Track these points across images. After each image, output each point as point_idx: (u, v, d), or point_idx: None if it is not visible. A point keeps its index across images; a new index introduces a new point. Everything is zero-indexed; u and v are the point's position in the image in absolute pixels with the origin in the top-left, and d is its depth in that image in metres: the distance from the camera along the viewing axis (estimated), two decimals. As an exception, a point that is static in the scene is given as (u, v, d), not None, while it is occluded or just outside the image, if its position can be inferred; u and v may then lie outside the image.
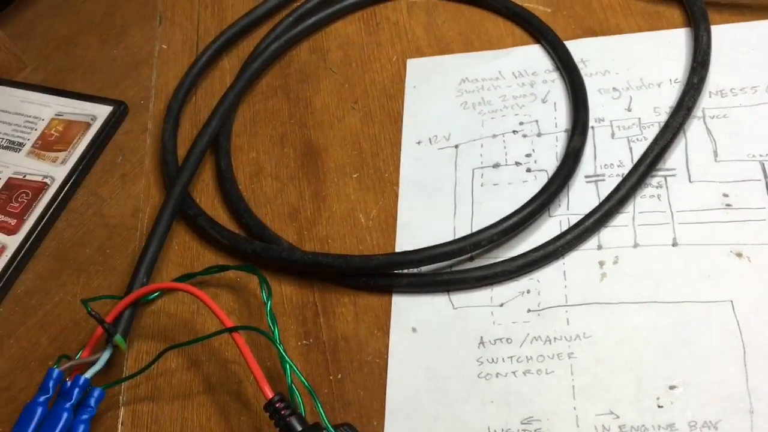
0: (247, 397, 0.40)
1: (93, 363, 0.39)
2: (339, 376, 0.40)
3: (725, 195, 0.41)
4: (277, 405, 0.35)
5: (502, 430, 0.36)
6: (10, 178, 0.51)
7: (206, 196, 0.49)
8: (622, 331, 0.38)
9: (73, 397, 0.37)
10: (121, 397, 0.41)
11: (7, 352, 0.44)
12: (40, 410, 0.37)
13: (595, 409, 0.36)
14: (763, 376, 0.35)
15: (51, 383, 0.38)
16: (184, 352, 0.42)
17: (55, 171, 0.51)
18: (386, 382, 0.39)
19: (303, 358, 0.41)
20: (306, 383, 0.37)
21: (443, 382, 0.38)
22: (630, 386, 0.36)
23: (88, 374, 0.38)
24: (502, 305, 0.40)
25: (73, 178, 0.51)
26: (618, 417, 0.35)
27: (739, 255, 0.39)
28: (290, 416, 0.35)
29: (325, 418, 0.35)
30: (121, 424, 0.40)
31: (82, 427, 0.37)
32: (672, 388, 0.36)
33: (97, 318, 0.39)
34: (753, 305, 0.37)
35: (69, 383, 0.38)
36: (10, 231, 0.48)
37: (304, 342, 0.41)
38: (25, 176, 0.51)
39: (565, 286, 0.40)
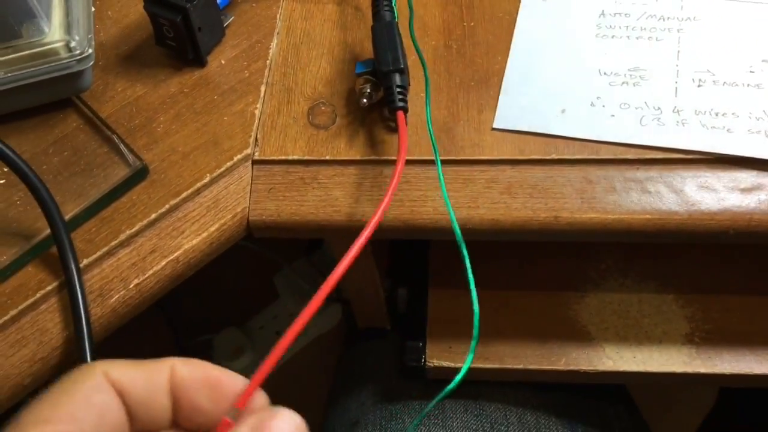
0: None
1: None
2: (471, 24, 0.46)
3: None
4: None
5: (611, 72, 0.42)
6: None
7: None
8: (729, 18, 0.43)
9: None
10: (279, 13, 0.48)
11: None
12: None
13: (695, 67, 0.42)
14: None
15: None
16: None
17: None
18: (513, 30, 0.45)
19: (441, 9, 0.47)
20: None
21: (563, 35, 0.44)
22: (729, 55, 0.42)
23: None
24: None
25: None
26: (714, 74, 0.41)
27: None
28: (387, 10, 0.42)
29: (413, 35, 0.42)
30: (277, 34, 0.47)
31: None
32: (764, 61, 0.41)
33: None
34: None
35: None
36: None
37: (443, -4, 0.47)
38: None
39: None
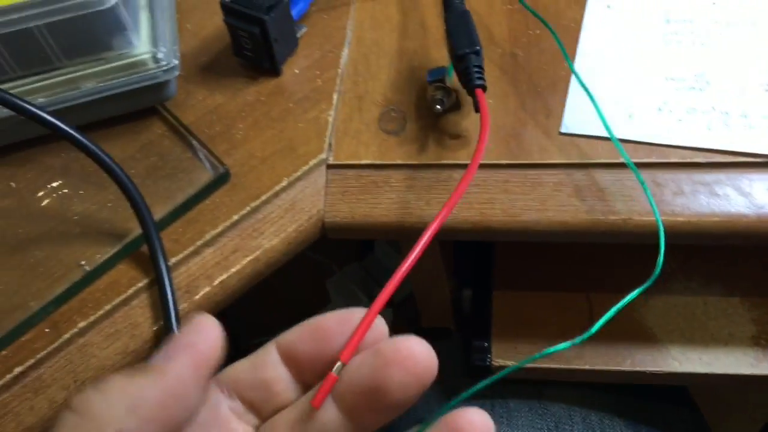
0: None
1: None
2: (537, 32, 0.47)
3: None
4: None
5: (677, 77, 0.43)
6: None
7: None
8: (797, 23, 0.44)
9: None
10: (349, 24, 0.50)
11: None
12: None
13: (762, 71, 0.42)
14: None
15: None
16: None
17: None
18: (579, 37, 0.46)
19: (507, 17, 0.48)
20: None
21: (629, 41, 0.45)
22: (796, 59, 0.42)
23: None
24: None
25: None
26: (782, 78, 0.42)
27: None
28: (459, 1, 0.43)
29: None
30: (347, 44, 0.49)
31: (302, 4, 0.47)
32: (834, 65, 0.42)
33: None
34: None
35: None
36: None
37: (508, 6, 0.49)
38: None
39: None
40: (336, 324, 0.26)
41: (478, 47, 0.41)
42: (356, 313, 0.26)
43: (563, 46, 0.43)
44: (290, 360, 0.27)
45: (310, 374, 0.27)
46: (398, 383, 0.24)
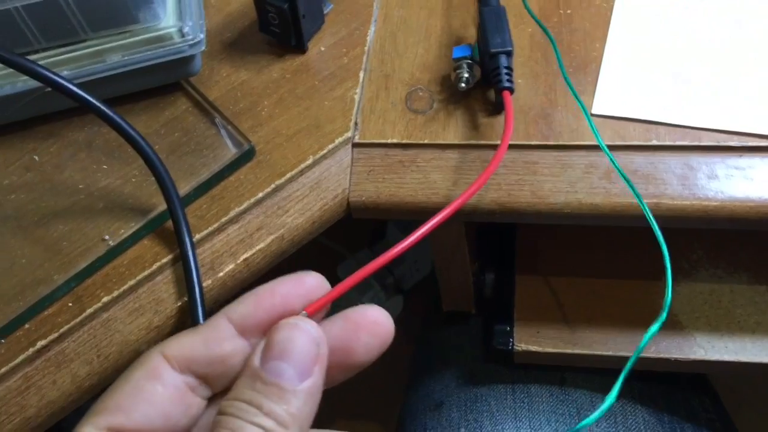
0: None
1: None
2: (568, 11, 0.46)
3: None
4: None
5: (714, 59, 0.42)
6: None
7: None
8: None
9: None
10: (376, 1, 0.49)
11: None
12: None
13: (800, 55, 0.41)
14: None
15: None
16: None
17: None
18: (611, 17, 0.45)
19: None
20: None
21: (663, 21, 0.44)
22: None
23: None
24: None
25: None
26: (820, 62, 0.41)
27: None
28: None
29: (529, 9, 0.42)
30: (374, 22, 0.48)
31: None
32: None
33: None
34: None
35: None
36: None
37: (539, -14, 0.48)
38: None
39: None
40: (291, 287, 0.28)
41: (510, 48, 0.41)
42: (308, 277, 0.28)
43: (558, 53, 0.43)
44: (247, 331, 0.27)
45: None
46: (365, 345, 0.27)
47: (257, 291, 0.28)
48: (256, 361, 0.25)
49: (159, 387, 0.26)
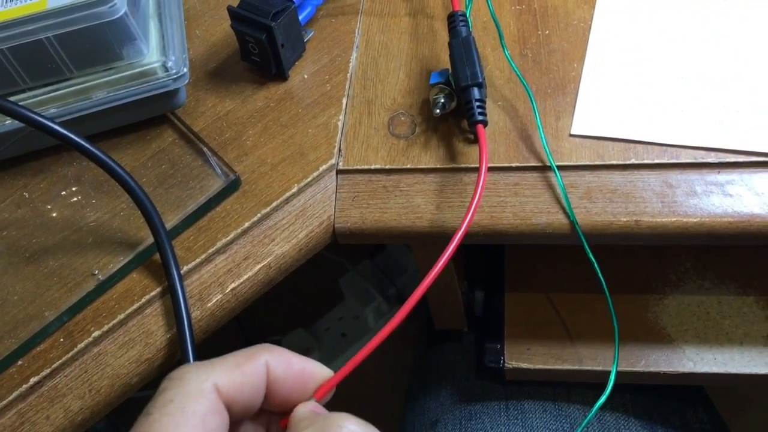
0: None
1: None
2: (546, 32, 0.47)
3: None
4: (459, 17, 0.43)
5: (689, 76, 0.43)
6: None
7: None
8: (809, 19, 0.43)
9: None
10: (357, 28, 0.50)
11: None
12: None
13: (775, 69, 0.42)
14: None
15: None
16: None
17: None
18: (588, 37, 0.46)
19: (515, 18, 0.48)
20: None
21: (639, 40, 0.45)
22: (809, 56, 0.42)
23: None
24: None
25: None
26: (794, 76, 0.41)
27: None
28: (463, 26, 0.43)
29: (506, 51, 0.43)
30: (356, 48, 0.49)
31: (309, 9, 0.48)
32: None
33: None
34: None
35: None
36: None
37: (517, 7, 0.48)
38: None
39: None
40: (311, 370, 0.30)
41: (480, 80, 0.41)
42: (317, 370, 0.30)
43: (535, 104, 0.44)
44: (272, 387, 0.29)
45: (275, 401, 0.30)
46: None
47: (294, 361, 0.30)
48: None
49: (218, 419, 0.27)
